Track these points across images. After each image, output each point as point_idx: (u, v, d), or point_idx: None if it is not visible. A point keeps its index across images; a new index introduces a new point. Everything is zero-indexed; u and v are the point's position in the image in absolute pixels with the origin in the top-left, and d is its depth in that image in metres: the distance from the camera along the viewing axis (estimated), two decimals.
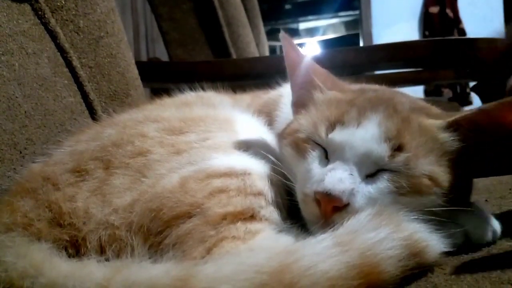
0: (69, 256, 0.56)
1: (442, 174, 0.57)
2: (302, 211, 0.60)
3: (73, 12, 1.03)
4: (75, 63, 1.00)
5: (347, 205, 0.55)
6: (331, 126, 0.61)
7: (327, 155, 0.61)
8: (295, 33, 6.06)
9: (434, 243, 0.51)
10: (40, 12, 0.95)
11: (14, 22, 0.87)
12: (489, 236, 0.58)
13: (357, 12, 5.36)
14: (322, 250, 0.47)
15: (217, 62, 2.01)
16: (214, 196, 0.57)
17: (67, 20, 1.02)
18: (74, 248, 0.57)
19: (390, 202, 0.56)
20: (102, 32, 1.09)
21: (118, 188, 0.59)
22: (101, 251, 0.56)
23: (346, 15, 6.01)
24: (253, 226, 0.57)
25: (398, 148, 0.57)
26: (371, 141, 0.58)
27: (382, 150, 0.57)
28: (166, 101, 0.84)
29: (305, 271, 0.45)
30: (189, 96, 0.84)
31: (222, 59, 2.12)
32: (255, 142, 0.68)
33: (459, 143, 0.59)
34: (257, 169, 0.63)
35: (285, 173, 0.63)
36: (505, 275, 0.47)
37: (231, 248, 0.54)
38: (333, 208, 0.55)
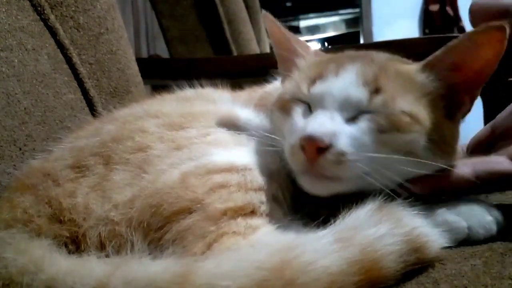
0: (69, 252, 0.56)
1: (422, 113, 0.59)
2: (290, 164, 0.61)
3: (73, 8, 1.03)
4: (75, 59, 1.00)
5: (330, 147, 0.56)
6: (312, 82, 0.64)
7: (310, 109, 0.63)
8: (295, 30, 6.06)
9: (435, 238, 0.50)
10: (39, 8, 0.94)
11: (13, 18, 0.87)
12: (493, 228, 0.57)
13: (357, 10, 5.35)
14: (322, 246, 0.47)
15: (218, 59, 2.01)
16: (215, 191, 0.57)
17: (66, 16, 1.01)
18: (74, 244, 0.57)
19: (372, 141, 0.57)
20: (102, 29, 1.09)
21: (118, 184, 0.59)
22: (101, 247, 0.56)
23: (347, 13, 6.00)
24: (253, 221, 0.57)
25: (375, 91, 0.60)
26: (350, 87, 0.61)
27: (360, 94, 0.60)
28: (166, 96, 0.84)
29: (306, 267, 0.45)
30: (188, 92, 0.84)
31: (223, 56, 2.13)
32: (255, 136, 0.67)
33: (438, 83, 0.62)
34: (258, 164, 0.62)
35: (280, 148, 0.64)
36: (505, 270, 0.47)
37: (231, 243, 0.53)
38: (317, 151, 0.56)
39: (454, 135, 0.64)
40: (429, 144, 0.59)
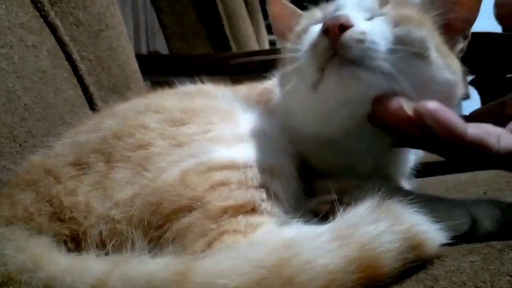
0: (69, 250, 0.56)
1: (427, 20, 0.65)
2: (307, 63, 0.62)
3: (73, 5, 1.03)
4: (75, 56, 1.00)
5: (352, 26, 0.58)
6: (325, 8, 0.69)
7: None
8: None
9: (434, 235, 0.50)
10: (39, 5, 0.94)
11: (13, 14, 0.86)
12: (498, 223, 0.57)
13: None
14: (321, 244, 0.47)
15: (217, 56, 2.01)
16: (215, 189, 0.57)
17: (66, 13, 1.01)
18: (74, 242, 0.57)
19: (388, 34, 0.60)
20: (102, 25, 1.09)
21: (119, 182, 0.59)
22: (102, 245, 0.56)
23: None
24: (254, 219, 0.57)
25: (383, 2, 0.65)
26: None
27: (371, 1, 0.65)
28: (167, 91, 0.83)
29: (304, 265, 0.45)
30: (189, 88, 0.84)
31: (222, 52, 2.12)
32: (258, 132, 0.67)
33: (437, 15, 0.67)
34: (258, 161, 0.62)
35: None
36: (504, 267, 0.47)
37: (231, 241, 0.53)
38: (339, 29, 0.57)
39: (456, 64, 0.68)
40: (439, 54, 0.63)
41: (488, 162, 0.59)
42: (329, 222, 0.52)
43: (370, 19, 0.63)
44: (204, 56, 2.03)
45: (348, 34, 0.57)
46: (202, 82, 0.86)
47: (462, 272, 0.47)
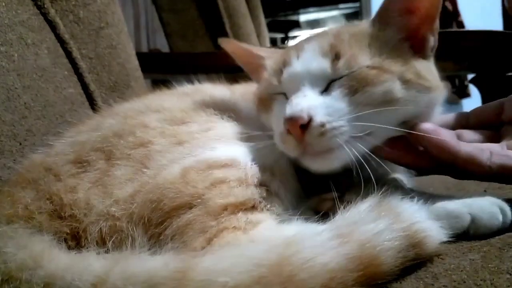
0: (69, 248, 0.56)
1: (387, 61, 0.63)
2: (286, 152, 0.64)
3: (73, 3, 1.03)
4: (75, 54, 1.00)
5: (310, 121, 0.59)
6: (280, 73, 0.69)
7: (287, 98, 0.66)
8: (295, 25, 6.04)
9: (433, 233, 0.50)
10: (39, 2, 0.94)
11: (13, 12, 0.86)
12: (500, 220, 0.56)
13: (357, 4, 5.34)
14: (321, 242, 0.47)
15: (218, 54, 2.01)
16: (215, 186, 0.57)
17: (66, 11, 1.01)
18: (75, 239, 0.57)
19: (348, 104, 0.61)
20: (102, 23, 1.09)
21: (119, 179, 0.59)
22: (102, 242, 0.56)
23: (347, 7, 5.99)
24: (254, 216, 0.57)
25: (336, 58, 0.64)
26: (311, 62, 0.65)
27: (322, 64, 0.64)
28: (166, 91, 0.84)
29: (304, 263, 0.44)
30: (187, 88, 0.84)
31: (223, 50, 2.12)
32: (256, 130, 0.67)
33: (393, 30, 0.66)
34: (258, 159, 0.62)
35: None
36: (504, 265, 0.47)
37: (231, 238, 0.54)
38: (300, 129, 0.59)
39: (430, 69, 0.68)
40: (407, 85, 0.62)
41: (481, 177, 0.61)
42: (330, 220, 0.52)
43: (326, 89, 0.63)
44: (204, 54, 2.03)
45: (310, 132, 0.59)
46: (200, 81, 0.86)
47: (462, 270, 0.47)
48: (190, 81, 0.86)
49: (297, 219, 0.59)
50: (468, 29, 4.04)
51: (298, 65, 0.66)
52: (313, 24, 6.22)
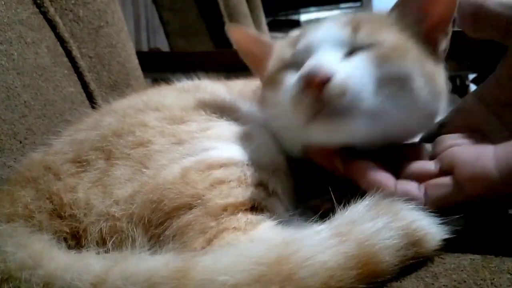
0: (69, 247, 0.56)
1: (408, 41, 0.61)
2: (294, 114, 0.59)
3: (73, 1, 1.03)
4: (75, 53, 1.00)
5: (332, 77, 0.55)
6: (293, 45, 0.65)
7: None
8: (296, 24, 6.03)
9: (433, 231, 0.50)
10: (39, 1, 0.94)
11: (13, 10, 0.86)
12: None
13: (358, 3, 5.34)
14: (320, 241, 0.47)
15: (218, 53, 2.01)
16: (215, 187, 0.57)
17: (66, 9, 1.01)
18: (75, 239, 0.57)
19: (370, 74, 0.57)
20: (102, 22, 1.09)
21: (119, 179, 0.59)
22: (102, 242, 0.56)
23: (348, 7, 5.97)
24: (254, 217, 0.57)
25: (356, 29, 0.61)
26: (331, 29, 0.63)
27: (343, 31, 0.61)
28: (164, 87, 0.83)
29: (304, 262, 0.44)
30: (186, 84, 0.83)
31: (223, 49, 2.12)
32: (256, 129, 0.67)
33: (410, 21, 0.64)
34: (258, 159, 0.62)
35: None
36: (504, 264, 0.47)
37: (231, 239, 0.53)
38: (319, 85, 0.55)
39: (440, 74, 0.65)
40: (424, 78, 0.59)
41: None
42: (329, 219, 0.52)
43: (348, 54, 0.60)
44: (205, 53, 2.03)
45: (329, 90, 0.55)
46: (199, 78, 0.86)
47: (462, 270, 0.47)
48: (190, 78, 0.86)
49: (296, 218, 0.59)
50: None
51: (316, 34, 0.63)
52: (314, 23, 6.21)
